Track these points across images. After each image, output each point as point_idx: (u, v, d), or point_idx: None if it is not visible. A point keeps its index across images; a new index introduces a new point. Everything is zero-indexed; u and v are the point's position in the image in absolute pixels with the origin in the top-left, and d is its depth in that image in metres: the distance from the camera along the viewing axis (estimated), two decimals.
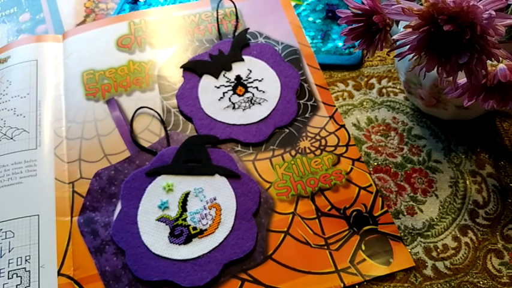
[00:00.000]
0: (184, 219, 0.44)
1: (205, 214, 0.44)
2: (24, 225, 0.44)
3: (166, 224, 0.44)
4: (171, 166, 0.47)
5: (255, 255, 0.42)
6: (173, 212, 0.44)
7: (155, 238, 0.43)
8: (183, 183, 0.46)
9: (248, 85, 0.52)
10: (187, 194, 0.45)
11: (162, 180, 0.46)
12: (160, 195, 0.45)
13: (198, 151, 0.47)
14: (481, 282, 0.41)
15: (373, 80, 0.54)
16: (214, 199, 0.45)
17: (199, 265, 0.42)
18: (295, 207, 0.45)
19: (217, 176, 0.46)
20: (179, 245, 0.43)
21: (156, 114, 0.51)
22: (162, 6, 0.62)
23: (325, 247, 0.43)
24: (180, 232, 0.43)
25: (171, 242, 0.43)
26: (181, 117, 0.51)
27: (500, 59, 0.29)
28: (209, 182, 0.46)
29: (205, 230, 0.43)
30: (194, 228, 0.43)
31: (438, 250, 0.43)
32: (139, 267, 0.42)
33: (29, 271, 0.42)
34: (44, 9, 0.64)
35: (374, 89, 0.53)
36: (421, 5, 0.29)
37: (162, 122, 0.50)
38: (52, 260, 0.42)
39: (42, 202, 0.45)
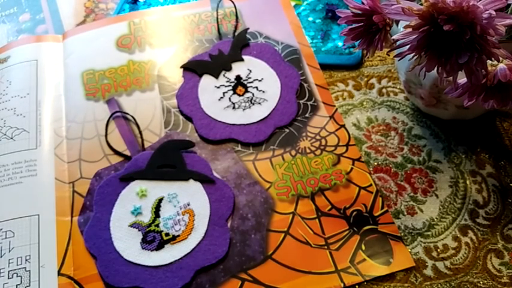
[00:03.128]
0: (157, 225, 0.44)
1: (178, 220, 0.44)
2: (24, 225, 0.44)
3: (139, 230, 0.43)
4: (145, 171, 0.46)
5: (255, 255, 0.42)
6: (146, 217, 0.44)
7: (127, 244, 0.43)
8: (156, 189, 0.45)
9: (248, 85, 0.52)
10: (160, 200, 0.45)
11: (136, 185, 0.46)
12: (133, 201, 0.45)
13: (172, 156, 0.47)
14: (481, 282, 0.41)
15: (373, 80, 0.54)
16: (188, 205, 0.45)
17: (171, 271, 0.41)
18: (295, 207, 0.45)
19: (191, 181, 0.46)
20: (151, 251, 0.42)
21: (156, 114, 0.51)
22: (162, 6, 0.62)
23: (325, 247, 0.43)
24: (153, 238, 0.43)
25: (143, 248, 0.42)
26: (181, 117, 0.51)
27: (500, 58, 0.29)
28: (183, 187, 0.45)
29: (178, 236, 0.43)
30: (167, 234, 0.43)
31: (438, 250, 0.43)
32: (110, 273, 0.41)
33: (29, 271, 0.42)
34: (44, 9, 0.64)
35: (374, 89, 0.53)
36: (421, 5, 0.29)
37: (137, 125, 0.50)
38: (52, 260, 0.42)
39: (42, 202, 0.45)
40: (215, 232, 0.43)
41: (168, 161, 0.47)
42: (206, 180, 0.46)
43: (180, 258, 0.42)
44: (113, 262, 0.42)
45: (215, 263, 0.42)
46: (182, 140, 0.49)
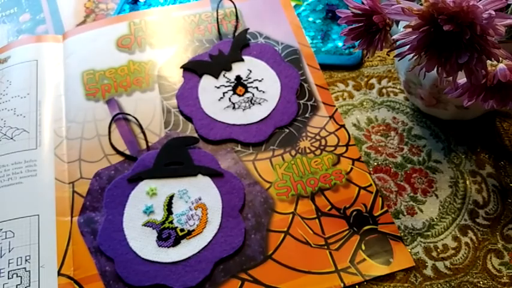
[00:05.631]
0: (171, 222, 0.44)
1: (191, 215, 0.44)
2: (24, 225, 0.44)
3: (153, 228, 0.44)
4: (153, 170, 0.46)
5: (255, 255, 0.42)
6: (159, 215, 0.44)
7: (143, 243, 0.43)
8: (166, 186, 0.46)
9: (248, 85, 0.52)
10: (171, 197, 0.45)
11: (145, 185, 0.46)
12: (144, 200, 0.45)
13: (178, 153, 0.47)
14: (481, 282, 0.41)
15: (373, 80, 0.54)
16: (200, 199, 0.45)
17: (190, 266, 0.42)
18: (295, 207, 0.45)
19: (200, 176, 0.46)
20: (168, 247, 0.43)
21: (156, 114, 0.51)
22: (162, 6, 0.62)
23: (325, 247, 0.43)
24: (168, 235, 0.43)
25: (159, 246, 0.43)
26: (181, 117, 0.51)
27: (500, 58, 0.29)
28: (193, 182, 0.46)
29: (193, 230, 0.43)
30: (182, 230, 0.43)
31: (438, 250, 0.43)
32: (129, 273, 0.41)
33: (29, 271, 0.42)
34: (44, 10, 0.64)
35: (374, 89, 0.53)
36: (421, 5, 0.29)
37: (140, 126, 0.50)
38: (52, 260, 0.42)
39: (42, 202, 0.45)
40: (229, 223, 0.44)
41: (175, 158, 0.47)
42: (215, 174, 0.46)
43: (198, 252, 0.42)
44: (131, 262, 0.42)
45: (233, 253, 0.42)
46: (187, 136, 0.49)
